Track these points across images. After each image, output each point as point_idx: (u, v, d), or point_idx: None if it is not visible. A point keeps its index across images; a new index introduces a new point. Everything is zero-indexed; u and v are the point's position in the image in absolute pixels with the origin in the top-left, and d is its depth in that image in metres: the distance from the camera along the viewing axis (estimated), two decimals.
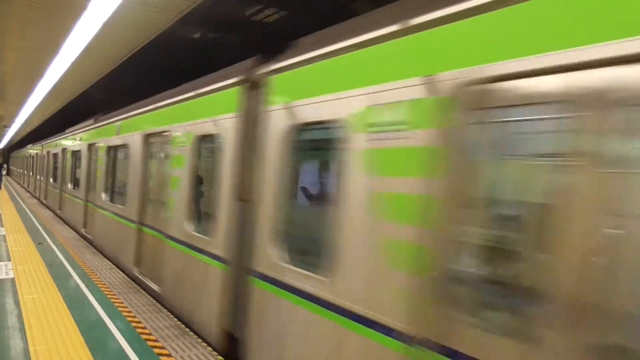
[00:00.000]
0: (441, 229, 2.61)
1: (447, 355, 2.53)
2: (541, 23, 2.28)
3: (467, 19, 2.63)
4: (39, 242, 10.78)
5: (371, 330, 3.02)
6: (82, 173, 13.25)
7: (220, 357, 4.82)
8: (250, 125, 4.69)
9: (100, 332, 5.30)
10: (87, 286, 7.23)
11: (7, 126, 30.97)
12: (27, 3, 7.03)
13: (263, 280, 4.30)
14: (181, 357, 4.76)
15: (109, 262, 9.17)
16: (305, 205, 4.70)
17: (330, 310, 3.39)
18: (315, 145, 4.40)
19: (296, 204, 4.54)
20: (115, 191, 9.91)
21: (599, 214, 2.06)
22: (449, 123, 2.62)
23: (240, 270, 4.69)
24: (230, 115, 5.04)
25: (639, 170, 2.09)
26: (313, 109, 3.83)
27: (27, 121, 26.09)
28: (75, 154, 14.59)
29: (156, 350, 4.87)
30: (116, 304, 6.39)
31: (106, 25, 7.56)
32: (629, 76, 1.96)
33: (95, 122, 12.22)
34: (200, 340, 5.30)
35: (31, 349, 4.70)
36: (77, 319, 5.67)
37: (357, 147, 3.28)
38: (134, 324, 5.62)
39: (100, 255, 9.88)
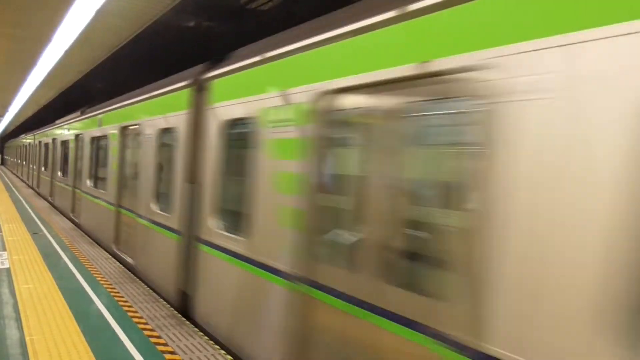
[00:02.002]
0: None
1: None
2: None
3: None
4: (35, 232, 10.76)
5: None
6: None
7: (217, 346, 4.85)
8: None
9: (97, 322, 5.31)
10: (83, 276, 7.24)
11: (0, 116, 30.72)
12: None
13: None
14: (177, 346, 4.78)
15: (105, 252, 9.18)
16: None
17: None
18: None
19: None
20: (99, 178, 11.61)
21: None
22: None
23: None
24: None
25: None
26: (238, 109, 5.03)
27: (20, 111, 25.88)
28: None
29: (152, 340, 4.89)
30: (112, 294, 6.40)
31: (99, 13, 7.47)
32: None
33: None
34: (196, 329, 5.33)
35: (27, 338, 4.71)
36: (73, 308, 5.68)
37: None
38: (130, 314, 5.64)
39: (97, 245, 9.89)
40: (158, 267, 6.85)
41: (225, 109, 5.25)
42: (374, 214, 3.23)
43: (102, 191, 10.19)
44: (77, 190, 12.77)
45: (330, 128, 3.67)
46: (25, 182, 27.81)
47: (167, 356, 4.51)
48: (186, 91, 6.20)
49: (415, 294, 2.87)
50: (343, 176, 3.72)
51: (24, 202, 17.19)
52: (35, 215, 13.83)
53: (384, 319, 2.97)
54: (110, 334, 4.97)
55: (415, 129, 3.11)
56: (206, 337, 5.09)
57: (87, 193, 11.54)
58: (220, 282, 5.13)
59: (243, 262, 4.59)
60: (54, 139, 17.60)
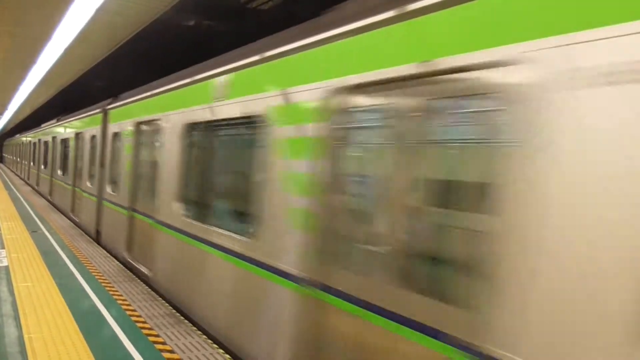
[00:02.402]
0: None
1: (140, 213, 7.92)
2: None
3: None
4: (33, 230, 10.76)
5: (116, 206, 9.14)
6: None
7: (215, 345, 4.86)
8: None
9: (95, 320, 5.31)
10: (81, 274, 7.23)
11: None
12: None
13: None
14: (176, 345, 4.78)
15: (104, 251, 9.18)
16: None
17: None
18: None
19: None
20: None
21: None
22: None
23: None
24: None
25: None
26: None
27: (19, 109, 25.84)
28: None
29: (151, 339, 4.89)
30: (110, 292, 6.40)
31: (99, 11, 7.47)
32: None
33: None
34: (195, 328, 5.33)
35: (26, 336, 4.71)
36: (72, 307, 5.68)
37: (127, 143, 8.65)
38: (128, 312, 5.64)
39: (95, 243, 9.89)
40: (88, 218, 11.33)
41: (112, 126, 9.86)
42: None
43: (65, 177, 14.92)
44: (53, 179, 17.37)
45: (139, 140, 8.13)
46: (18, 176, 31.44)
47: (166, 355, 4.52)
48: (100, 115, 10.91)
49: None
50: (141, 162, 8.01)
51: (22, 200, 17.17)
52: (34, 213, 13.82)
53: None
54: (108, 333, 4.97)
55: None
56: (205, 336, 5.09)
57: (58, 179, 16.27)
58: (109, 219, 9.63)
59: (116, 206, 9.05)
60: (39, 140, 22.40)
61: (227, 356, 4.61)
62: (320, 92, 3.62)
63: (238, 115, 4.90)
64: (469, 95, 2.68)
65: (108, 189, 9.75)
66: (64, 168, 15.29)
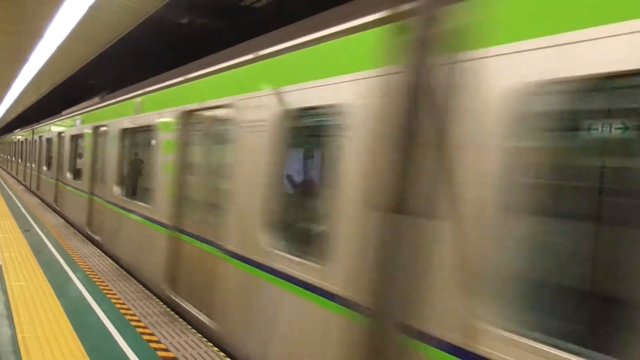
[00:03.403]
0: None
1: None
2: None
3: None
4: (26, 229, 10.70)
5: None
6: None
7: (209, 343, 4.86)
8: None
9: (89, 319, 5.30)
10: (75, 273, 7.21)
11: None
12: None
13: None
14: (170, 343, 4.78)
15: (98, 250, 9.15)
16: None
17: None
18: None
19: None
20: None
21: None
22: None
23: None
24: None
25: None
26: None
27: (12, 107, 25.66)
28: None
29: (145, 337, 4.88)
30: (105, 291, 6.38)
31: (92, 8, 7.43)
32: None
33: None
34: (190, 327, 5.33)
35: (19, 336, 4.70)
36: (65, 306, 5.66)
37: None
38: (122, 311, 5.63)
39: (89, 243, 9.85)
40: (28, 180, 22.24)
41: (34, 137, 20.58)
42: None
43: (22, 162, 25.37)
44: (18, 165, 27.10)
45: (41, 144, 18.74)
46: (4, 169, 37.42)
47: (160, 353, 4.52)
48: (31, 130, 21.95)
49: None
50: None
51: (15, 198, 17.07)
52: (27, 211, 13.74)
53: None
54: (103, 332, 4.96)
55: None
56: (199, 335, 5.10)
57: (32, 169, 21.57)
58: (32, 176, 19.10)
59: (35, 172, 19.58)
60: (11, 140, 32.38)
61: (222, 354, 4.62)
62: None
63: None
64: None
65: (32, 165, 20.48)
66: (22, 158, 25.87)
